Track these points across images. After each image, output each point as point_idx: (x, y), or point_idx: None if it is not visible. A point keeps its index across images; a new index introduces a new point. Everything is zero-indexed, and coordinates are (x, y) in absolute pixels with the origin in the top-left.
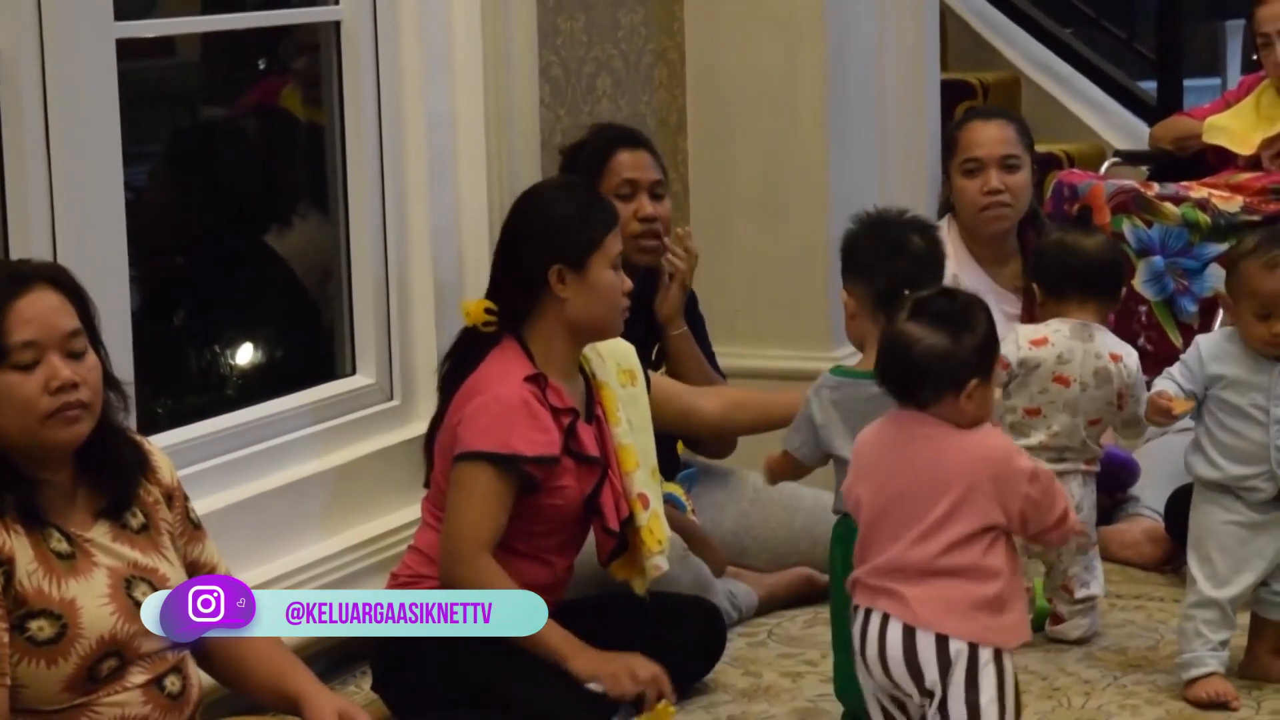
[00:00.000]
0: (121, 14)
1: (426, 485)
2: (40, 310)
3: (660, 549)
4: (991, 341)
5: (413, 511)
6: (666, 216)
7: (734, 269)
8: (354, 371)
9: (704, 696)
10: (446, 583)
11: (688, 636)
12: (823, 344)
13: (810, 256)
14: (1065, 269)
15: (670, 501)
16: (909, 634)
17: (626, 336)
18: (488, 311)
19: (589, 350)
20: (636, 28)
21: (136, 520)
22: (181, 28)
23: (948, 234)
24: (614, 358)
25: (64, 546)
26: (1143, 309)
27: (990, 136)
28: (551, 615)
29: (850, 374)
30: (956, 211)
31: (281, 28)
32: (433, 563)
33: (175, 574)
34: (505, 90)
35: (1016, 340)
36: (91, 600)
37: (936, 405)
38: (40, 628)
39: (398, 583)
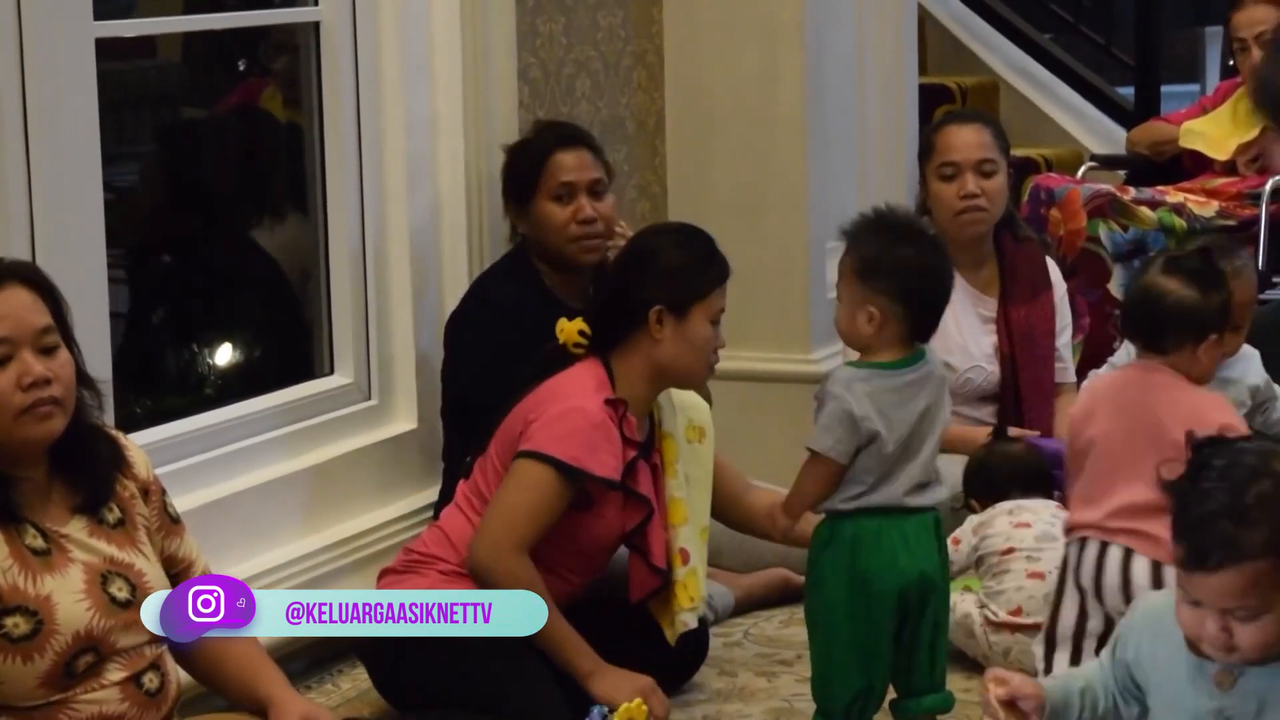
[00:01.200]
0: (102, 15)
1: (466, 475)
2: (12, 307)
3: (691, 606)
4: (1228, 304)
5: (391, 510)
6: (608, 214)
7: None
8: (332, 371)
9: (680, 696)
10: (477, 569)
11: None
12: (802, 346)
13: (789, 259)
14: None
15: None
16: (1156, 568)
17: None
18: (580, 334)
19: (663, 399)
20: (615, 30)
21: (113, 515)
22: (160, 27)
23: None
24: (686, 412)
25: (39, 543)
26: (1118, 313)
27: (966, 140)
28: None
29: (879, 366)
30: (933, 215)
31: (262, 29)
32: (452, 546)
33: (152, 569)
34: (484, 92)
35: (966, 523)
36: (67, 596)
37: (1177, 354)
38: (15, 624)
39: (411, 557)
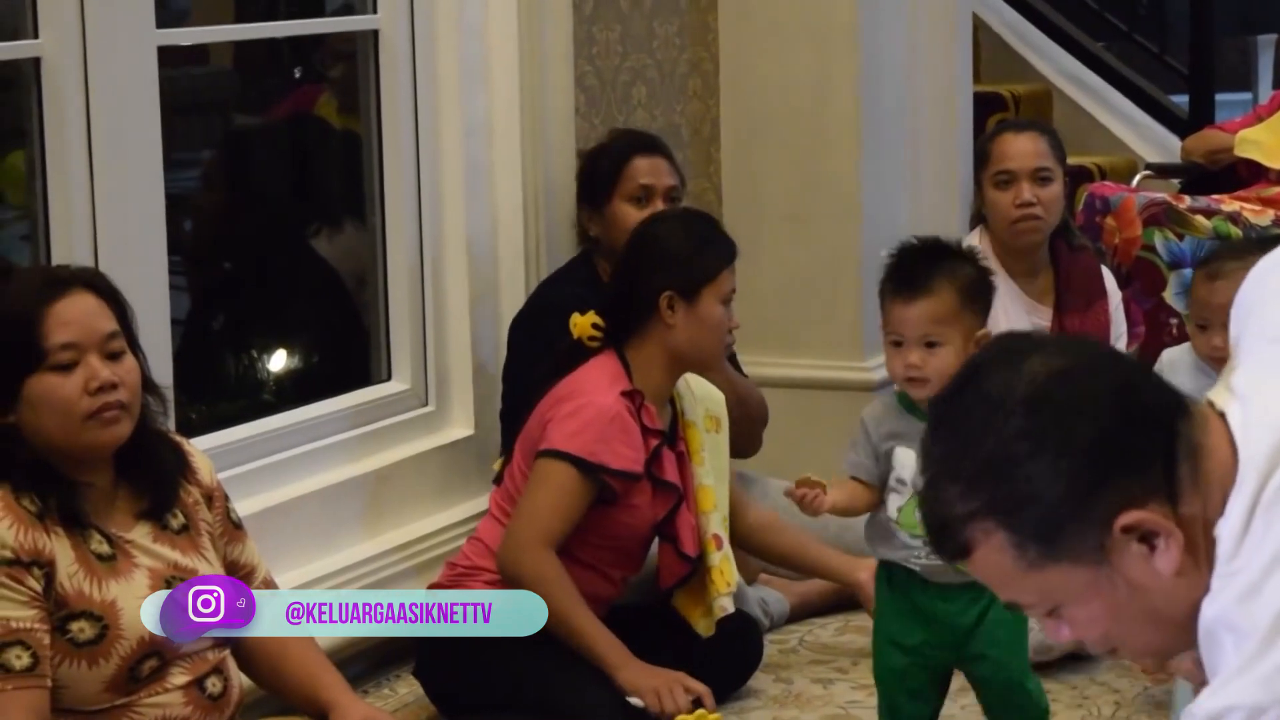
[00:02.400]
0: (157, 22)
1: (498, 481)
2: (78, 312)
3: (729, 590)
4: None
5: (449, 515)
6: None
7: (765, 279)
8: (389, 377)
9: (736, 703)
10: (505, 569)
11: (725, 648)
12: (854, 354)
13: (842, 266)
14: None
15: None
16: None
17: None
18: (594, 326)
19: (683, 387)
20: (671, 38)
21: (177, 521)
22: (223, 35)
23: (979, 245)
24: (705, 403)
25: (104, 548)
26: (1174, 321)
27: (1023, 149)
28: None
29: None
30: (989, 223)
31: (315, 37)
32: (492, 555)
33: (215, 574)
34: (541, 99)
35: None
36: (132, 601)
37: None
38: (81, 629)
39: (455, 571)
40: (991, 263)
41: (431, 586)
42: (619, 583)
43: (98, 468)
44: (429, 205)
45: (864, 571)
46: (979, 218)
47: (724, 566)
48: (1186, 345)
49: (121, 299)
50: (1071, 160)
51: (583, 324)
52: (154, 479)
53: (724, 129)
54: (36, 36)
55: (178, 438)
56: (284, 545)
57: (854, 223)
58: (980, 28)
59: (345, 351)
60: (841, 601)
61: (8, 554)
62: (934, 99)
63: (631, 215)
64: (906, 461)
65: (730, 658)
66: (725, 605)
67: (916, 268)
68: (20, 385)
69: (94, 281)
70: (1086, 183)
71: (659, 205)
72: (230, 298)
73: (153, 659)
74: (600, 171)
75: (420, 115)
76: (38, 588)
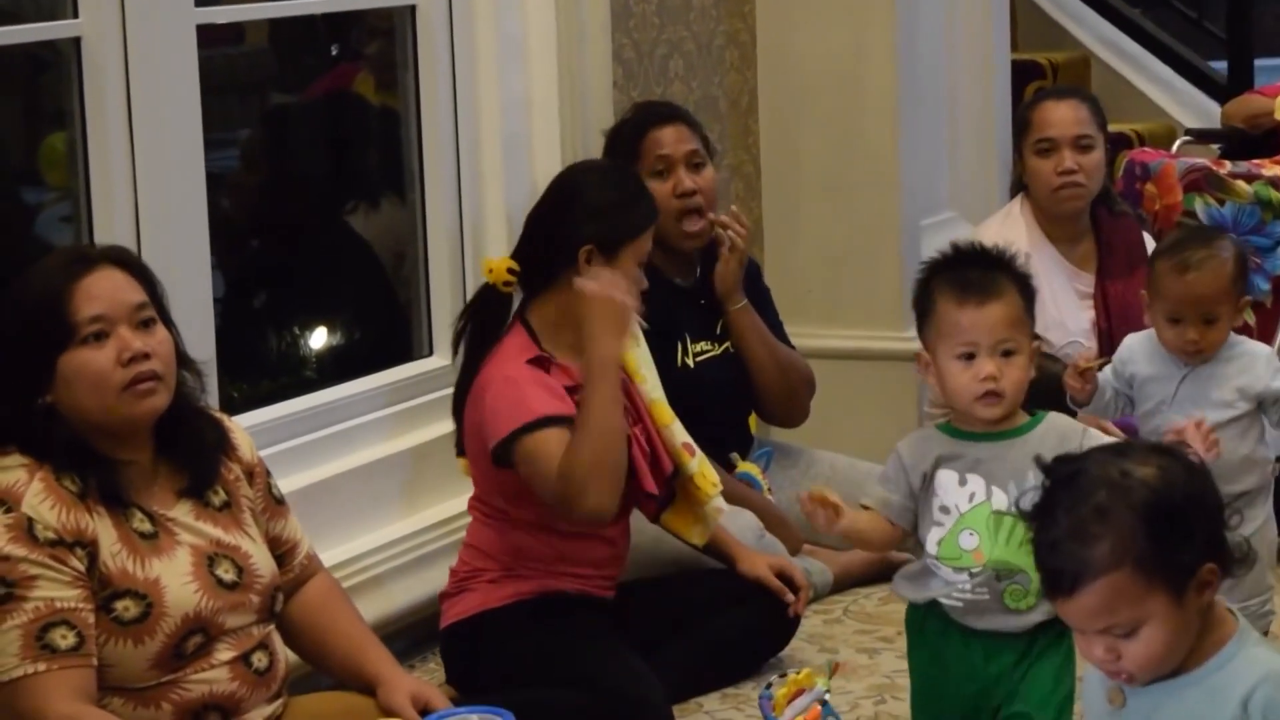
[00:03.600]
0: (195, 1)
1: (460, 453)
2: (106, 286)
3: (717, 490)
4: None
5: None
6: (709, 186)
7: (804, 250)
8: (431, 353)
9: (781, 671)
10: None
11: (762, 612)
12: (895, 323)
13: (881, 236)
14: None
15: (746, 481)
16: None
17: (687, 311)
18: (510, 272)
19: None
20: (708, 10)
21: (218, 498)
22: (261, 13)
23: (1020, 213)
24: None
25: (146, 526)
26: None
27: (1064, 116)
28: (623, 594)
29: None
30: (1030, 191)
31: (352, 14)
32: (488, 556)
33: (258, 551)
34: (579, 73)
35: None
36: (175, 578)
37: None
38: (125, 607)
39: (457, 579)
40: (1033, 230)
41: (442, 595)
42: (620, 540)
43: (137, 445)
44: (468, 181)
45: (763, 567)
46: (1019, 185)
47: (704, 470)
48: (1148, 332)
49: (150, 274)
50: (1111, 127)
51: (498, 269)
52: (194, 455)
53: (761, 100)
54: (76, 16)
55: (218, 414)
56: (327, 522)
57: (893, 192)
58: None
59: (386, 327)
60: (885, 571)
61: (50, 535)
62: (972, 67)
63: (655, 190)
64: (950, 485)
65: (766, 623)
66: (719, 505)
67: (978, 270)
68: (54, 363)
69: (121, 257)
70: (1126, 149)
71: (681, 174)
72: (271, 276)
73: (197, 635)
74: (619, 150)
75: (459, 91)
76: (81, 568)
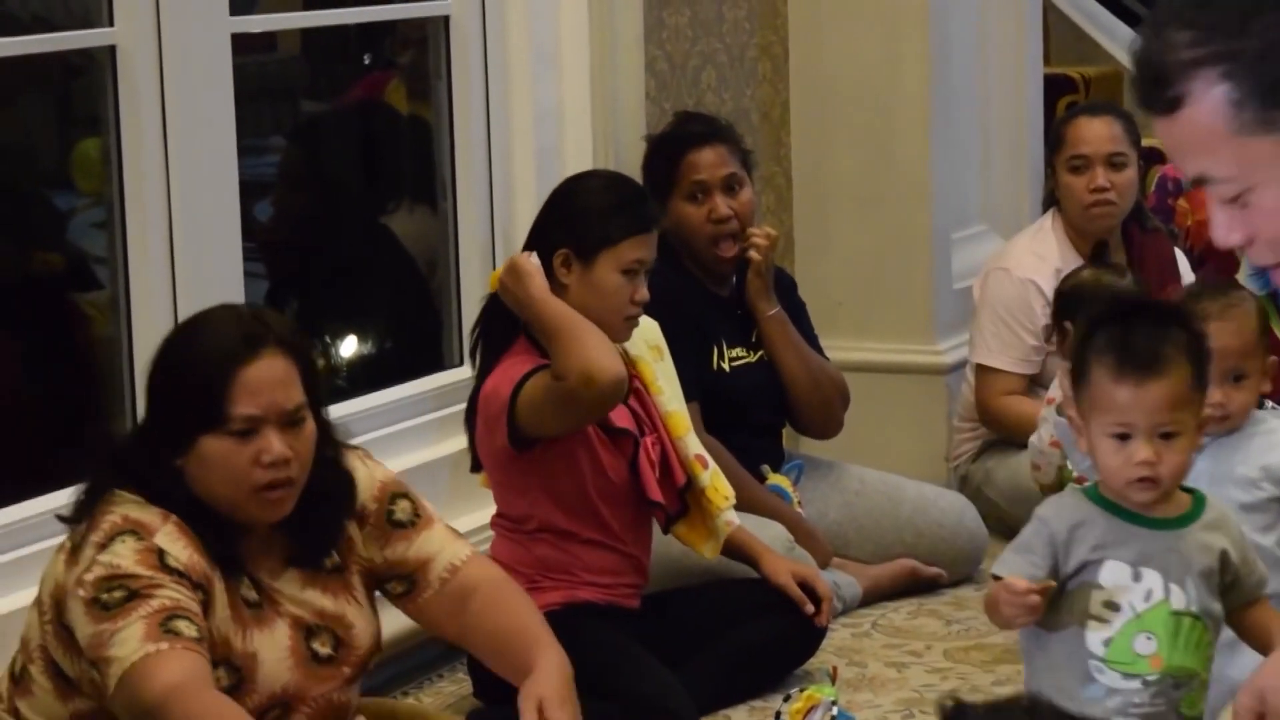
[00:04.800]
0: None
1: (474, 468)
2: (266, 381)
3: (728, 503)
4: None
5: None
6: (745, 209)
7: (836, 262)
8: (462, 363)
9: (809, 684)
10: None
11: (788, 622)
12: (926, 336)
13: (913, 249)
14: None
15: (777, 493)
16: None
17: (723, 318)
18: None
19: None
20: (741, 22)
21: (330, 561)
22: (296, 22)
23: (1052, 228)
24: (641, 335)
25: (253, 594)
26: None
27: (1098, 133)
28: (651, 605)
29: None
30: (1062, 206)
31: (384, 24)
32: (513, 570)
33: (361, 618)
34: (611, 84)
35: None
36: (272, 653)
37: None
38: (219, 677)
39: None
40: (1064, 245)
41: None
42: (639, 553)
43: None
44: (500, 191)
45: (786, 574)
46: (1051, 200)
47: (716, 483)
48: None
49: (311, 356)
50: (1144, 142)
51: (495, 278)
52: (310, 533)
53: (794, 113)
54: (111, 24)
55: (350, 464)
56: None
57: (924, 205)
58: (1050, 9)
59: (418, 337)
60: (914, 585)
61: (179, 567)
62: (1004, 81)
63: (691, 214)
64: (1121, 580)
65: (792, 633)
66: (730, 519)
67: (1141, 337)
68: (197, 439)
69: (288, 339)
70: (1158, 165)
71: (716, 199)
72: (301, 284)
73: (278, 709)
74: (658, 167)
75: (491, 101)
76: (199, 603)
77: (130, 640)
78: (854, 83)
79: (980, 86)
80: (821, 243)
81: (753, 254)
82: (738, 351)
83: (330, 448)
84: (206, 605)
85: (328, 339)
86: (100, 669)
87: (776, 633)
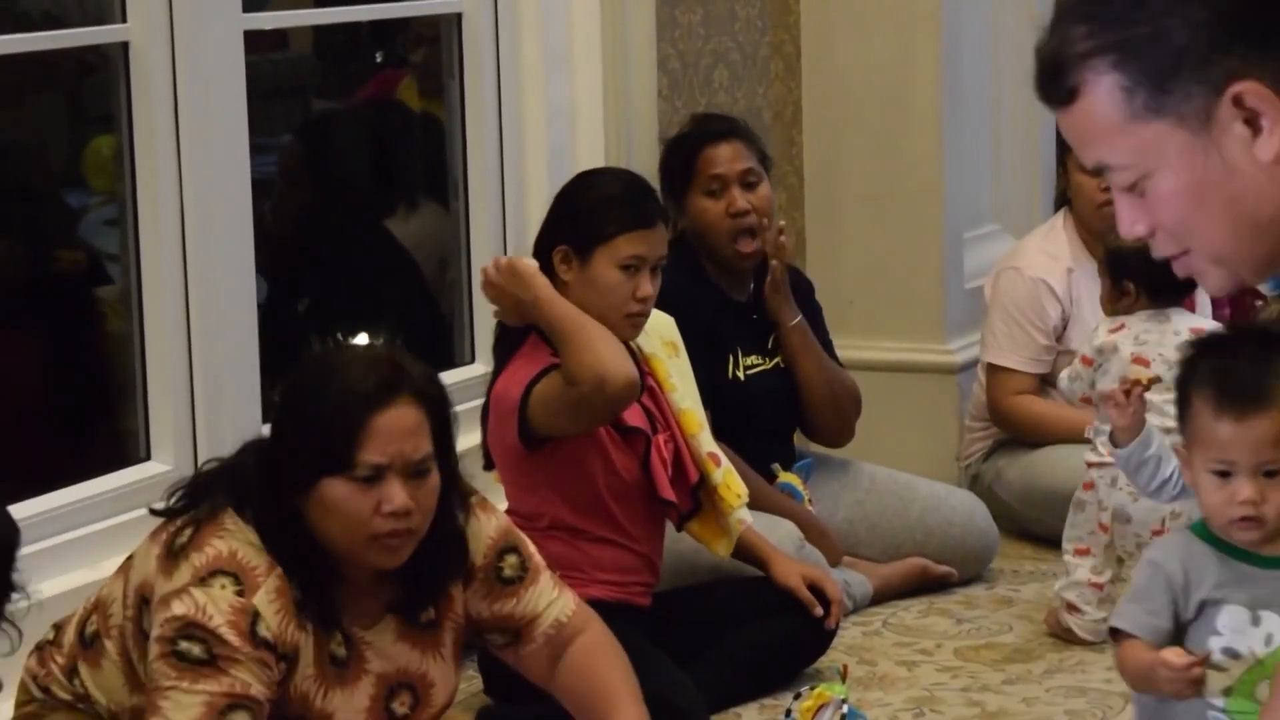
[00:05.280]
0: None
1: (485, 465)
2: (397, 430)
3: (741, 501)
4: None
5: None
6: (764, 204)
7: (848, 261)
8: (474, 360)
9: (820, 683)
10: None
11: (799, 621)
12: (937, 336)
13: (925, 248)
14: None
15: (787, 491)
16: None
17: (739, 325)
18: None
19: None
20: (753, 20)
21: (426, 616)
22: (308, 19)
23: (1063, 227)
24: (656, 331)
25: (342, 651)
26: (1258, 304)
27: None
28: (662, 603)
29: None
30: (1073, 206)
31: (397, 22)
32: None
33: (443, 677)
34: (624, 83)
35: (1096, 331)
36: (348, 714)
37: None
38: None
39: None
40: (1076, 245)
41: None
42: (652, 552)
43: (366, 567)
44: (512, 189)
45: (795, 577)
46: (1063, 199)
47: (729, 481)
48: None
49: (445, 407)
50: None
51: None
52: (419, 584)
53: (806, 112)
54: (124, 21)
55: (467, 519)
56: None
57: (936, 205)
58: None
59: (428, 335)
60: (925, 584)
61: (268, 636)
62: (1016, 81)
63: (709, 209)
64: (1240, 625)
65: (803, 631)
66: (743, 518)
67: (1244, 368)
68: (319, 480)
69: (424, 389)
70: None
71: (735, 193)
72: (312, 282)
73: None
74: (674, 166)
75: (503, 99)
76: (277, 677)
77: (187, 711)
78: (866, 81)
79: (992, 86)
80: (833, 242)
81: (774, 265)
82: (753, 360)
83: (453, 500)
84: (290, 668)
85: (341, 336)
86: (150, 706)
87: (787, 631)
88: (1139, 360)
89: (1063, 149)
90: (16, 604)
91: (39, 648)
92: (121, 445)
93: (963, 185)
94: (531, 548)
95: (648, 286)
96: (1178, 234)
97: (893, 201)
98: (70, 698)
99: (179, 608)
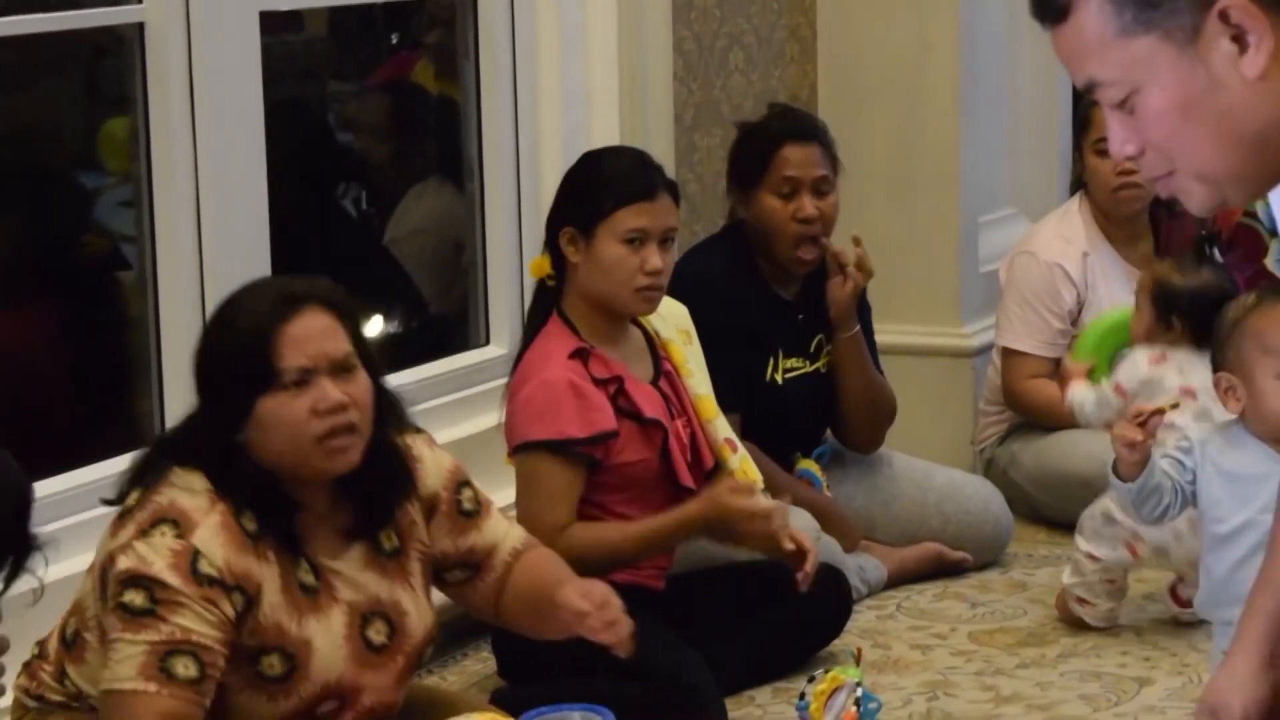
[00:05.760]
0: None
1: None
2: (311, 332)
3: (759, 488)
4: None
5: None
6: (830, 214)
7: (864, 245)
8: (488, 342)
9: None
10: None
11: (813, 601)
12: (953, 319)
13: (941, 232)
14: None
15: (806, 478)
16: None
17: (784, 325)
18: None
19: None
20: (769, 3)
21: (390, 543)
22: (324, 1)
23: (1079, 211)
24: (671, 318)
25: (310, 579)
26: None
27: None
28: (676, 586)
29: None
30: (1089, 190)
31: (412, 4)
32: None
33: (416, 606)
34: (639, 65)
35: (1135, 362)
36: (326, 640)
37: None
38: (271, 664)
39: None
40: (1091, 229)
41: None
42: None
43: (320, 486)
44: (527, 171)
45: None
46: (1079, 183)
47: (744, 467)
48: (1229, 423)
49: (354, 312)
50: None
51: (537, 265)
52: (371, 501)
53: (822, 95)
54: (140, 2)
55: (410, 439)
56: None
57: (952, 188)
58: None
59: (443, 316)
60: (939, 568)
61: (212, 573)
62: (1033, 65)
63: (777, 209)
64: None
65: (818, 613)
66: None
67: None
68: (252, 405)
69: (328, 297)
70: None
71: (805, 199)
72: (329, 264)
73: (332, 701)
74: (750, 156)
75: (519, 81)
76: (231, 613)
77: (127, 665)
78: (882, 65)
79: (1008, 70)
80: (849, 225)
81: (856, 277)
82: (793, 362)
83: (389, 412)
84: (253, 600)
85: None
86: (102, 666)
87: (801, 614)
88: (1186, 391)
89: (1079, 133)
90: (34, 561)
91: (27, 666)
92: (136, 427)
93: (979, 169)
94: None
95: (656, 259)
96: (1165, 150)
97: (908, 185)
98: (64, 698)
99: (123, 563)
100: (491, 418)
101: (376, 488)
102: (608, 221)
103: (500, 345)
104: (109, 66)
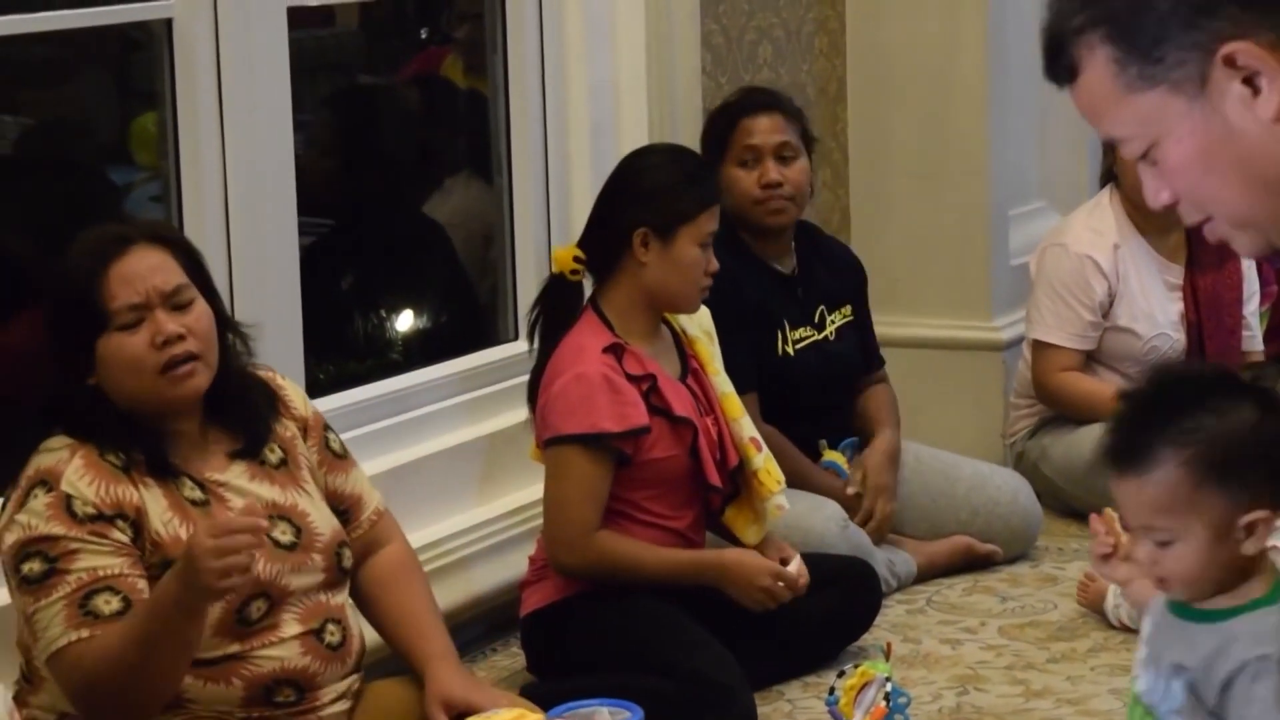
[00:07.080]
0: None
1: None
2: (140, 269)
3: (780, 488)
4: None
5: None
6: (797, 179)
7: (893, 238)
8: (516, 337)
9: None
10: (563, 570)
11: (843, 596)
12: (983, 312)
13: (970, 225)
14: None
15: (832, 469)
16: None
17: (787, 298)
18: (576, 260)
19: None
20: None
21: (275, 456)
22: None
23: (1110, 203)
24: (697, 317)
25: (197, 494)
26: None
27: None
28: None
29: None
30: (1119, 181)
31: None
32: None
33: (316, 509)
34: (667, 58)
35: None
36: None
37: None
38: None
39: (535, 567)
40: (1122, 221)
41: (522, 583)
42: (690, 530)
43: (184, 415)
44: (555, 165)
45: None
46: (1109, 175)
47: (769, 467)
48: None
49: (189, 247)
50: None
51: (564, 257)
52: (243, 420)
53: (850, 88)
54: None
55: (267, 373)
56: (406, 506)
57: (982, 181)
58: None
59: (471, 311)
60: (969, 562)
61: (90, 510)
62: None
63: (740, 178)
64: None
65: (847, 607)
66: (781, 503)
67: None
68: (93, 347)
69: (159, 234)
70: None
71: (768, 165)
72: (357, 258)
73: (260, 600)
74: (713, 134)
75: (547, 75)
76: (124, 539)
77: (54, 625)
78: (911, 58)
79: (1038, 62)
80: (878, 219)
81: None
82: (801, 332)
83: (236, 337)
84: (139, 526)
85: (384, 312)
86: (34, 642)
87: (831, 608)
88: None
89: None
90: None
91: (15, 698)
92: None
93: (1008, 161)
94: None
95: (714, 260)
96: (1195, 201)
97: (938, 178)
98: (55, 718)
99: (9, 538)
100: (519, 413)
101: (244, 409)
102: (692, 224)
103: (531, 345)
104: (140, 61)
